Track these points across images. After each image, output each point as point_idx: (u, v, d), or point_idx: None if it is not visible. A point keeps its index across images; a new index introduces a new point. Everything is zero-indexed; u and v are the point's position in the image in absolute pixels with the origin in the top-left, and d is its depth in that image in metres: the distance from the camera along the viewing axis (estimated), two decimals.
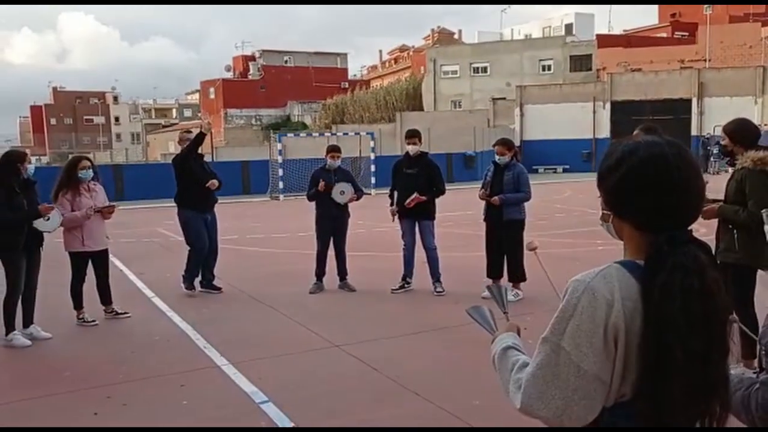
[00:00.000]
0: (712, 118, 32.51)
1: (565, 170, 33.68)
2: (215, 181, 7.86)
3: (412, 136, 7.91)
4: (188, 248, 8.04)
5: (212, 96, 63.80)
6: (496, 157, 7.40)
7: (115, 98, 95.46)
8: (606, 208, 1.62)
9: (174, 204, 8.14)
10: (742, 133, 4.77)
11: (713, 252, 1.52)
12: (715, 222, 4.69)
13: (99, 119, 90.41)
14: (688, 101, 34.81)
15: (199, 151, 7.91)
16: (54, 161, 61.23)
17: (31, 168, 6.41)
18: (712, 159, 28.15)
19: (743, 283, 4.47)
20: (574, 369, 1.45)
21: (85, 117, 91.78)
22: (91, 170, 6.66)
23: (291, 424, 4.22)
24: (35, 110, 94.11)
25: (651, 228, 1.50)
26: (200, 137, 7.74)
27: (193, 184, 7.76)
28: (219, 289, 8.07)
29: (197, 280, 8.06)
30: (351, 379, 5.11)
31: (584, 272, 1.52)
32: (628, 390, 1.48)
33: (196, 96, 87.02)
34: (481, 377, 5.02)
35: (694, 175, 1.52)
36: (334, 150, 8.29)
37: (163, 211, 19.41)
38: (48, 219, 6.18)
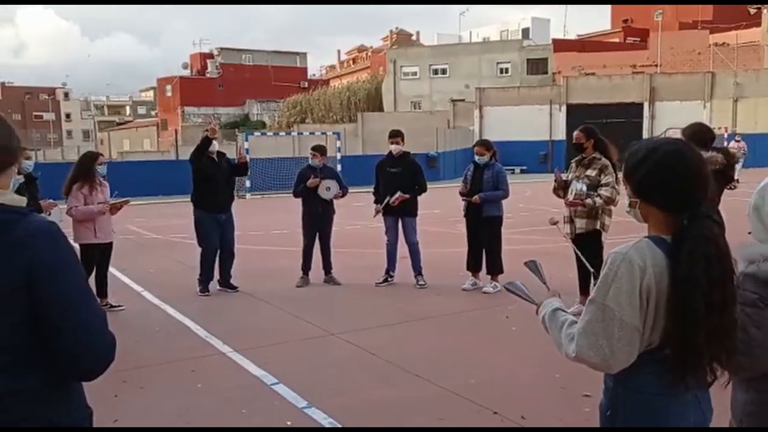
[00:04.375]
0: (663, 121, 33.79)
1: (522, 171, 34.47)
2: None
3: (396, 135, 8.26)
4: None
5: (169, 94, 63.07)
6: (476, 157, 7.83)
7: (66, 94, 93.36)
8: (634, 196, 2.04)
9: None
10: (698, 136, 5.42)
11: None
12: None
13: (49, 116, 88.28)
14: (640, 105, 36.05)
15: (212, 148, 7.77)
16: None
17: (30, 164, 6.58)
18: None
19: None
20: (618, 322, 1.85)
21: (34, 113, 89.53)
22: (105, 166, 6.86)
23: (304, 403, 4.55)
24: None
25: (674, 208, 1.92)
26: (204, 141, 7.72)
27: (203, 184, 7.79)
28: (235, 288, 8.05)
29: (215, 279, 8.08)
30: (352, 363, 5.46)
31: (620, 246, 1.93)
32: (656, 338, 1.90)
33: (151, 93, 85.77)
34: (473, 359, 5.47)
35: (703, 165, 1.97)
36: (316, 150, 8.56)
37: (130, 209, 19.37)
38: (49, 215, 6.35)
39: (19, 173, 6.32)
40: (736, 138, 24.68)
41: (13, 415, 1.65)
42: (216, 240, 7.92)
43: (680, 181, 1.91)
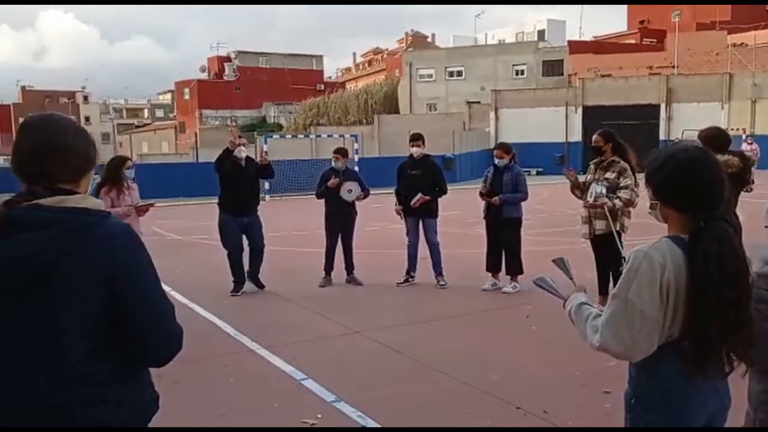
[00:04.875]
0: (681, 123, 33.67)
1: (538, 173, 34.46)
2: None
3: (416, 138, 8.43)
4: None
5: (187, 96, 63.73)
6: (496, 160, 7.98)
7: (86, 98, 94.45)
8: (654, 198, 2.20)
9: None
10: (714, 140, 5.57)
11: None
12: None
13: None
14: (657, 107, 35.95)
15: (239, 154, 7.96)
16: None
17: None
18: None
19: None
20: (639, 314, 2.01)
21: None
22: (133, 170, 7.07)
23: (333, 397, 4.73)
24: (2, 109, 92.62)
25: (691, 210, 2.07)
26: (224, 152, 7.97)
27: (228, 188, 8.04)
28: (262, 286, 8.28)
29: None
30: (378, 359, 5.64)
31: (641, 245, 2.09)
32: (676, 331, 2.05)
33: (169, 96, 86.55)
34: (495, 356, 5.62)
35: (718, 170, 2.13)
36: (338, 153, 8.78)
37: (152, 210, 19.70)
38: None
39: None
40: (748, 141, 24.41)
41: (95, 396, 1.84)
42: (237, 242, 8.15)
43: (696, 185, 2.07)
